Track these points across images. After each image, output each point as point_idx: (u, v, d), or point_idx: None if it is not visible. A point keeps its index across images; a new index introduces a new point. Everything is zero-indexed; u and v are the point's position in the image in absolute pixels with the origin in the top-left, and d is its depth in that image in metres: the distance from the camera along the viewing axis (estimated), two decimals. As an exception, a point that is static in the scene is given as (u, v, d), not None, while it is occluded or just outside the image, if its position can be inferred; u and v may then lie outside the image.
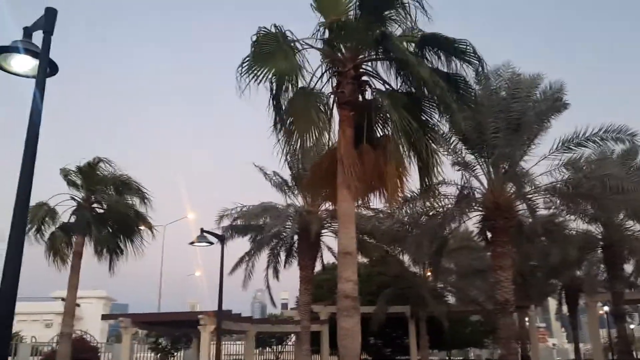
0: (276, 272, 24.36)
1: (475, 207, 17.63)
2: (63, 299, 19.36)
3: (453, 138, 17.05)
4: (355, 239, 10.42)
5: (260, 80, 9.89)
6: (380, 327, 26.06)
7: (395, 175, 10.52)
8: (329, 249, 24.67)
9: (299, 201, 23.49)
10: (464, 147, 17.26)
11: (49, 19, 5.59)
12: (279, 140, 11.50)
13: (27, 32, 5.63)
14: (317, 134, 10.93)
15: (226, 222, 22.63)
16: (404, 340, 30.80)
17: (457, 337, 30.98)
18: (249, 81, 9.76)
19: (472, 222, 18.86)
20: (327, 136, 11.36)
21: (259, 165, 23.25)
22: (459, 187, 17.53)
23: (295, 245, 23.33)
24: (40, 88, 5.40)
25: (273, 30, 10.27)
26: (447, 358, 35.43)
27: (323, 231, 22.95)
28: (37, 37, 5.64)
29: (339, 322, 9.74)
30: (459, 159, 17.34)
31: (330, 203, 22.69)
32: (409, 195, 16.93)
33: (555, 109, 16.75)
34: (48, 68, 5.49)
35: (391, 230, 20.60)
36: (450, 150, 17.26)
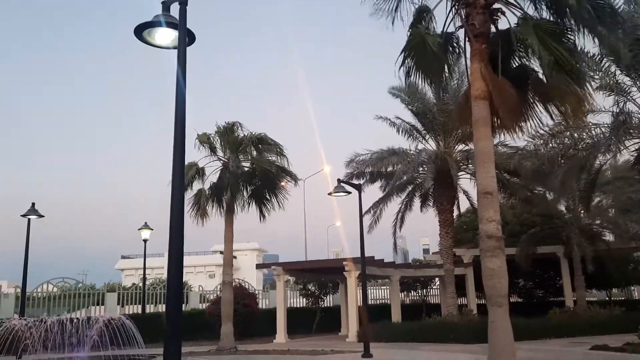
0: (402, 220, 24.40)
1: (634, 134, 15.87)
2: (221, 252, 21.27)
3: (604, 61, 15.39)
4: (495, 178, 9.97)
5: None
6: (529, 269, 25.04)
7: (535, 106, 9.82)
8: (465, 192, 24.05)
9: (431, 145, 23.01)
10: (617, 70, 15.51)
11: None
12: (407, 84, 11.27)
13: (165, 5, 6.07)
14: (445, 72, 10.56)
15: (356, 172, 23.03)
16: (557, 282, 29.32)
17: (618, 275, 28.65)
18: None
19: (630, 151, 17.07)
20: (457, 73, 10.95)
21: (384, 116, 23.08)
22: (614, 113, 15.87)
23: (431, 189, 23.03)
24: (181, 58, 5.80)
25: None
26: (607, 298, 33.07)
27: (460, 173, 22.32)
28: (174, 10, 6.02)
29: (483, 263, 9.51)
30: (612, 82, 15.63)
31: (465, 143, 21.93)
32: (555, 129, 15.77)
33: None
34: (187, 38, 5.86)
35: (536, 167, 19.36)
36: (600, 74, 15.62)
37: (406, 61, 10.68)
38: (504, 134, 11.93)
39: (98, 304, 26.11)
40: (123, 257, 77.83)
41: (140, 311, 24.67)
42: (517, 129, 11.02)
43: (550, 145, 17.84)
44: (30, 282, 19.18)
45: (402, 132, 23.03)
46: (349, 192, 16.50)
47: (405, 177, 21.77)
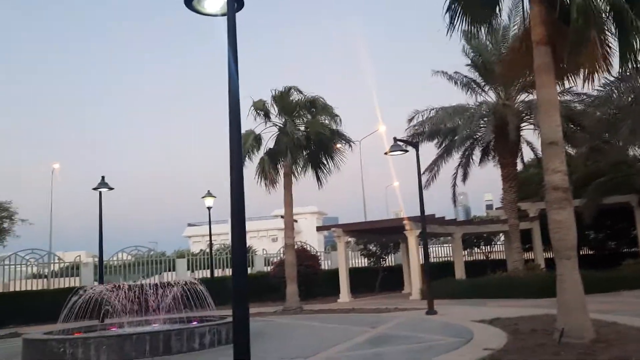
0: (463, 176, 23.87)
1: None
2: (282, 217, 21.70)
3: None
4: (560, 127, 9.51)
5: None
6: (600, 220, 24.09)
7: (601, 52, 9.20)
8: (529, 144, 23.19)
9: (490, 97, 22.21)
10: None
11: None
12: (467, 34, 10.83)
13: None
14: (497, 16, 10.06)
15: (416, 130, 22.62)
16: (631, 232, 28.05)
17: None
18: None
19: None
20: (515, 19, 10.36)
21: (442, 71, 22.36)
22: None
23: (492, 143, 22.36)
24: (231, 25, 5.81)
25: None
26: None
27: (522, 125, 21.51)
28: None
29: (549, 216, 9.20)
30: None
31: (528, 92, 21.00)
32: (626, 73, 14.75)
33: None
34: (235, 4, 5.84)
35: (604, 115, 18.34)
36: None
37: (452, 5, 10.24)
38: (568, 81, 11.31)
39: (169, 270, 27.41)
40: (190, 225, 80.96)
41: (208, 275, 25.72)
42: (582, 75, 10.41)
43: (620, 91, 16.79)
44: (105, 252, 20.35)
45: (460, 85, 22.35)
46: (406, 151, 16.27)
47: (464, 132, 21.19)
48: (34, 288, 23.24)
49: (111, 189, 19.85)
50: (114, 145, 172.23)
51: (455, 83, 22.32)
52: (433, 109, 22.10)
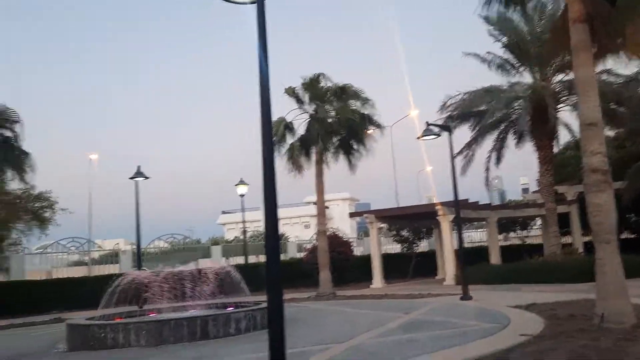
0: (496, 159, 23.39)
1: None
2: (314, 203, 21.78)
3: None
4: (599, 108, 9.21)
5: None
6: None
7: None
8: (566, 125, 22.56)
9: (526, 78, 21.67)
10: None
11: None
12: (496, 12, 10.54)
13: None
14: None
15: (449, 114, 22.27)
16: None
17: None
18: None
19: None
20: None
21: (474, 52, 21.87)
22: None
23: (528, 125, 21.82)
24: (260, 11, 5.80)
25: None
26: None
27: (559, 106, 20.92)
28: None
29: (588, 199, 8.95)
30: None
31: (565, 72, 20.40)
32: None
33: None
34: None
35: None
36: None
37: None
38: (607, 61, 10.94)
39: (205, 257, 27.92)
40: (224, 212, 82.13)
41: (243, 262, 26.11)
42: (622, 54, 10.05)
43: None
44: (143, 239, 20.85)
45: (493, 67, 21.84)
46: (439, 135, 16.04)
47: (498, 114, 20.75)
48: (76, 275, 24.04)
49: (147, 178, 20.27)
50: (149, 134, 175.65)
51: (488, 65, 21.82)
52: (466, 92, 21.71)
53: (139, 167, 20.06)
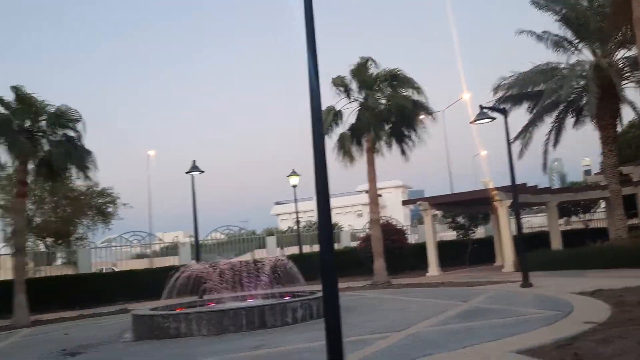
0: (555, 141, 22.49)
1: None
2: (366, 192, 21.69)
3: None
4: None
5: None
6: None
7: None
8: (630, 103, 21.40)
9: (585, 56, 20.67)
10: None
11: None
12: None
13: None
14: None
15: (503, 96, 21.58)
16: None
17: None
18: None
19: None
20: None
21: (529, 30, 21.03)
22: None
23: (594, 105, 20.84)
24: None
25: None
26: None
27: (623, 83, 19.87)
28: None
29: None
30: None
31: (626, 49, 19.36)
32: None
33: None
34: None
35: None
36: None
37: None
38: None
39: (260, 247, 28.41)
40: (277, 203, 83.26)
41: (297, 252, 26.39)
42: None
43: None
44: (200, 231, 21.42)
45: (550, 45, 20.96)
46: (493, 118, 15.57)
47: (557, 95, 19.92)
48: (139, 267, 25.03)
49: (202, 172, 20.77)
50: (203, 127, 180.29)
51: (544, 42, 20.97)
52: (520, 72, 20.96)
53: (194, 162, 20.57)
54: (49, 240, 29.65)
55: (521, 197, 18.15)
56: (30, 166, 17.44)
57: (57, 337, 12.12)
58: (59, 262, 28.11)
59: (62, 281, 21.53)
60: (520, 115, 22.42)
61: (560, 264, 18.64)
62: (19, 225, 17.42)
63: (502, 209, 21.13)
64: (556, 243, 22.99)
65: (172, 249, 26.91)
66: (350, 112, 20.23)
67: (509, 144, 15.14)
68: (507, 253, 20.96)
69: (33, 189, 25.51)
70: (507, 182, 16.23)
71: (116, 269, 24.56)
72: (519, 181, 16.18)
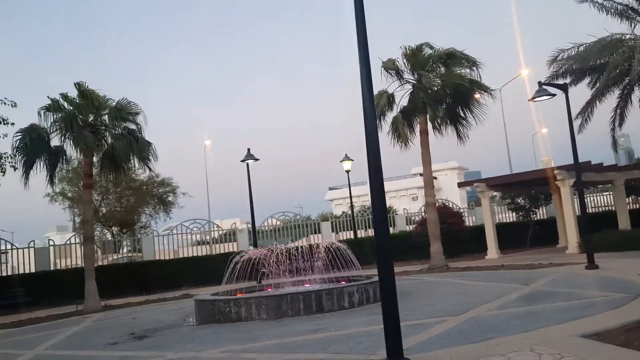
0: (621, 118, 21.28)
1: None
2: (421, 175, 21.41)
3: None
4: None
5: None
6: None
7: None
8: None
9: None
10: None
11: None
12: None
13: None
14: None
15: (561, 70, 20.60)
16: None
17: None
18: None
19: None
20: None
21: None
22: None
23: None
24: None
25: None
26: None
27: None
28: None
29: None
30: None
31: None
32: None
33: None
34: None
35: None
36: None
37: None
38: None
39: (315, 233, 28.65)
40: (331, 189, 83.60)
41: (352, 236, 26.43)
42: None
43: None
44: (256, 218, 21.83)
45: (614, 14, 19.78)
46: (553, 95, 14.92)
47: (623, 68, 18.83)
48: (199, 254, 25.83)
49: (256, 159, 21.10)
50: (258, 113, 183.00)
51: (607, 12, 19.82)
52: (581, 45, 19.91)
53: (248, 150, 20.92)
54: (115, 229, 31.09)
55: (585, 175, 17.40)
56: (95, 159, 18.30)
57: (126, 322, 12.74)
58: (125, 249, 29.43)
59: (129, 268, 22.55)
60: (579, 91, 21.40)
61: (628, 245, 17.79)
62: (87, 215, 18.35)
63: (565, 188, 20.33)
64: (623, 223, 21.95)
65: (230, 236, 27.57)
66: (402, 95, 19.96)
67: (570, 120, 14.51)
68: (570, 234, 20.20)
69: (98, 181, 26.73)
70: (569, 160, 15.58)
71: (178, 256, 25.43)
72: (582, 159, 15.50)
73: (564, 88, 14.94)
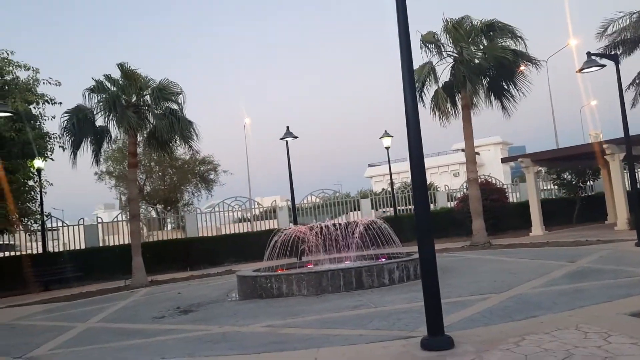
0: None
1: None
2: (462, 150, 20.99)
3: None
4: None
5: None
6: None
7: None
8: None
9: None
10: None
11: None
12: None
13: None
14: None
15: (611, 41, 19.64)
16: None
17: None
18: None
19: None
20: None
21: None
22: None
23: None
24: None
25: None
26: None
27: None
28: None
29: None
30: None
31: None
32: None
33: None
34: None
35: None
36: None
37: None
38: None
39: (354, 210, 28.64)
40: (370, 165, 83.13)
41: (392, 213, 26.29)
42: None
43: None
44: (296, 195, 21.98)
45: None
46: (603, 66, 14.25)
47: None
48: (240, 231, 26.25)
49: (295, 137, 21.12)
50: (296, 91, 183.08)
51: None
52: (634, 13, 18.90)
53: (287, 128, 20.95)
54: (159, 206, 31.92)
55: (636, 149, 16.67)
56: (139, 138, 18.73)
57: (172, 296, 13.13)
58: (169, 226, 30.22)
59: (173, 244, 23.16)
60: (631, 62, 20.37)
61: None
62: (133, 193, 18.88)
63: (614, 163, 19.56)
64: (678, 198, 20.97)
65: (270, 213, 27.88)
66: (442, 70, 19.46)
67: (621, 92, 13.88)
68: (620, 210, 19.49)
69: (142, 160, 27.39)
70: (618, 134, 14.94)
71: (221, 233, 25.93)
72: (633, 132, 14.83)
73: (614, 58, 14.26)
